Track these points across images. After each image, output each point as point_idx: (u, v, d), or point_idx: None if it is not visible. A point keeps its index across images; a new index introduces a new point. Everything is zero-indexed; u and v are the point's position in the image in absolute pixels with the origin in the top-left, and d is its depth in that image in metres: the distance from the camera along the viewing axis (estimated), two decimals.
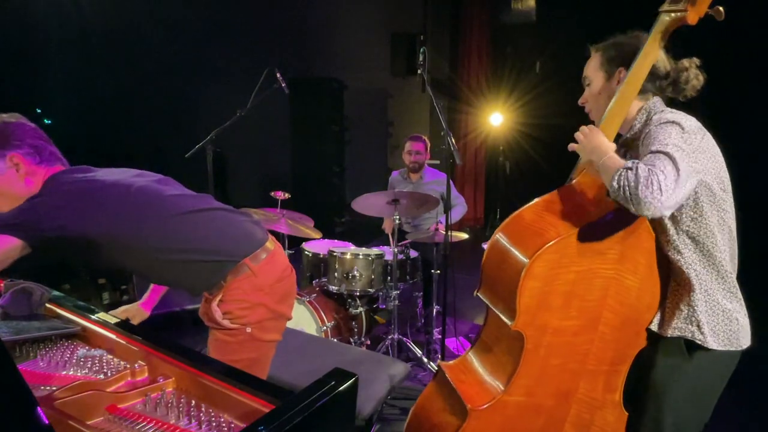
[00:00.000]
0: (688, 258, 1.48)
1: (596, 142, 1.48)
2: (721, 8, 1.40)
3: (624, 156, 1.59)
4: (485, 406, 1.53)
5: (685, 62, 1.53)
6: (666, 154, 1.32)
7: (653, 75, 1.52)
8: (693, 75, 1.52)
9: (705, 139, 1.43)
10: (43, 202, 1.50)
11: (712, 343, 1.46)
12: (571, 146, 1.57)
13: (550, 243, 1.44)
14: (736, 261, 1.54)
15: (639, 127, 1.53)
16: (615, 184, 1.33)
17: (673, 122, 1.40)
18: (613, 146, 1.48)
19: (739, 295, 1.52)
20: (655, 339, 1.56)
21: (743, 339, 1.50)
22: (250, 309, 1.60)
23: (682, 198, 1.32)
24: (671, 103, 1.58)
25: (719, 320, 1.47)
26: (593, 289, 1.50)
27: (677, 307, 1.50)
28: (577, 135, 1.54)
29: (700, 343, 1.47)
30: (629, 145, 1.58)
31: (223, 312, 1.59)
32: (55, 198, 1.52)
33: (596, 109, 1.64)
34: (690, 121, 1.44)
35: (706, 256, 1.47)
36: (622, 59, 1.55)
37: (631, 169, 1.31)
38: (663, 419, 1.52)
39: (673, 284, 1.53)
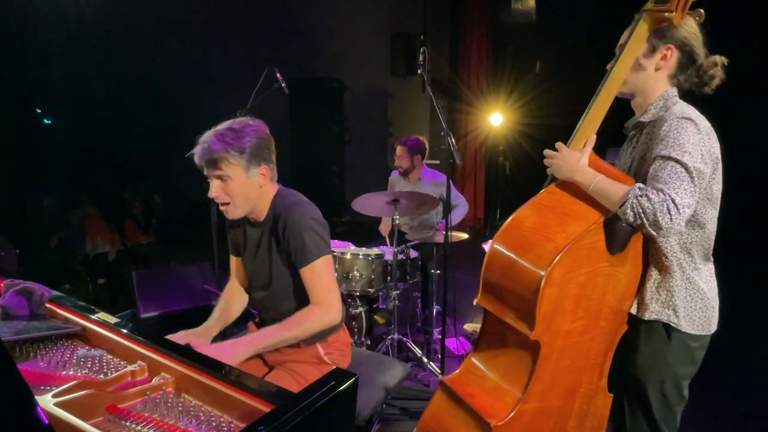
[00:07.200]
0: (674, 245, 1.51)
1: (573, 161, 1.50)
2: (702, 11, 1.44)
3: (632, 140, 1.60)
4: (506, 420, 1.46)
5: (717, 58, 1.52)
6: (681, 164, 1.34)
7: (690, 61, 1.52)
8: (718, 73, 1.52)
9: (713, 140, 1.46)
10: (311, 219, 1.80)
11: (686, 327, 1.52)
12: (549, 170, 1.59)
13: (566, 248, 1.40)
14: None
15: (654, 112, 1.53)
16: (629, 212, 1.35)
17: (691, 119, 1.41)
18: (586, 162, 1.50)
19: (715, 282, 1.58)
20: (633, 323, 1.60)
21: (714, 325, 1.57)
22: (342, 356, 1.90)
23: (695, 203, 1.36)
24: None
25: (697, 306, 1.53)
26: (597, 288, 1.50)
27: (656, 292, 1.55)
28: (547, 160, 1.57)
29: (674, 326, 1.52)
30: (640, 127, 1.58)
31: (324, 353, 1.84)
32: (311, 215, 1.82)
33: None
34: (704, 122, 1.46)
35: (694, 245, 1.51)
36: None
37: (641, 195, 1.32)
38: (651, 399, 1.57)
39: (652, 269, 1.56)
